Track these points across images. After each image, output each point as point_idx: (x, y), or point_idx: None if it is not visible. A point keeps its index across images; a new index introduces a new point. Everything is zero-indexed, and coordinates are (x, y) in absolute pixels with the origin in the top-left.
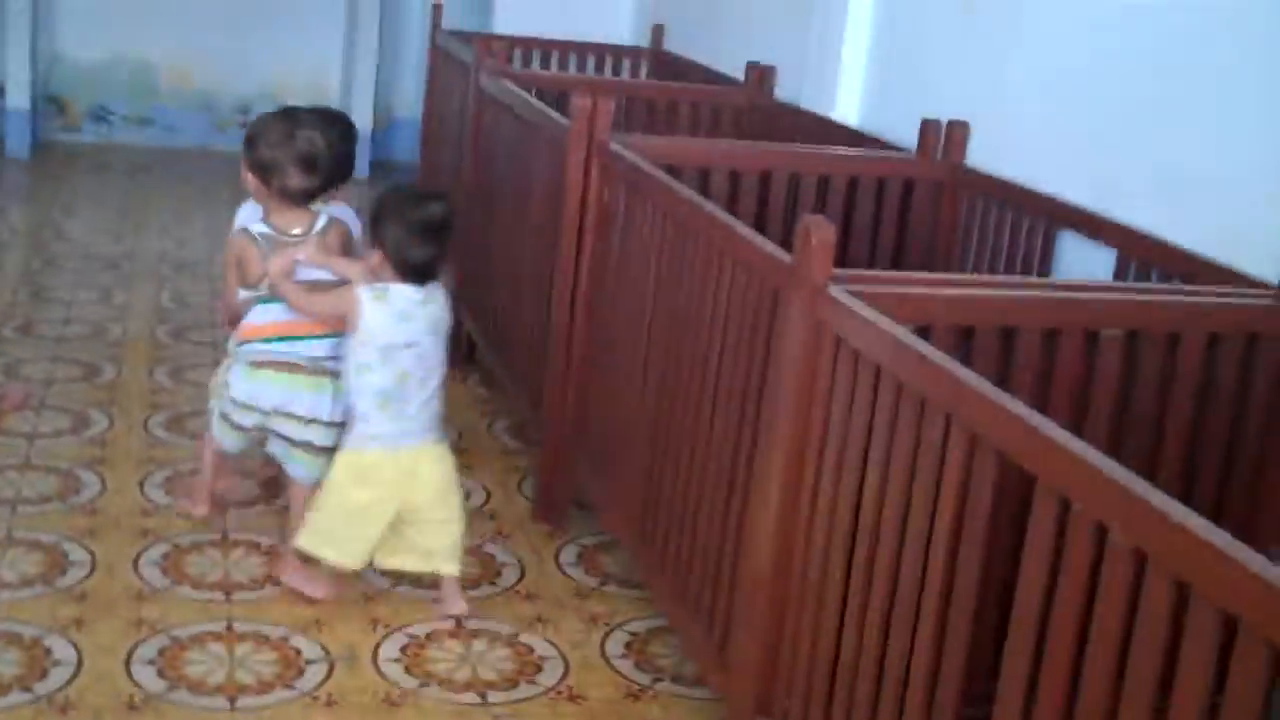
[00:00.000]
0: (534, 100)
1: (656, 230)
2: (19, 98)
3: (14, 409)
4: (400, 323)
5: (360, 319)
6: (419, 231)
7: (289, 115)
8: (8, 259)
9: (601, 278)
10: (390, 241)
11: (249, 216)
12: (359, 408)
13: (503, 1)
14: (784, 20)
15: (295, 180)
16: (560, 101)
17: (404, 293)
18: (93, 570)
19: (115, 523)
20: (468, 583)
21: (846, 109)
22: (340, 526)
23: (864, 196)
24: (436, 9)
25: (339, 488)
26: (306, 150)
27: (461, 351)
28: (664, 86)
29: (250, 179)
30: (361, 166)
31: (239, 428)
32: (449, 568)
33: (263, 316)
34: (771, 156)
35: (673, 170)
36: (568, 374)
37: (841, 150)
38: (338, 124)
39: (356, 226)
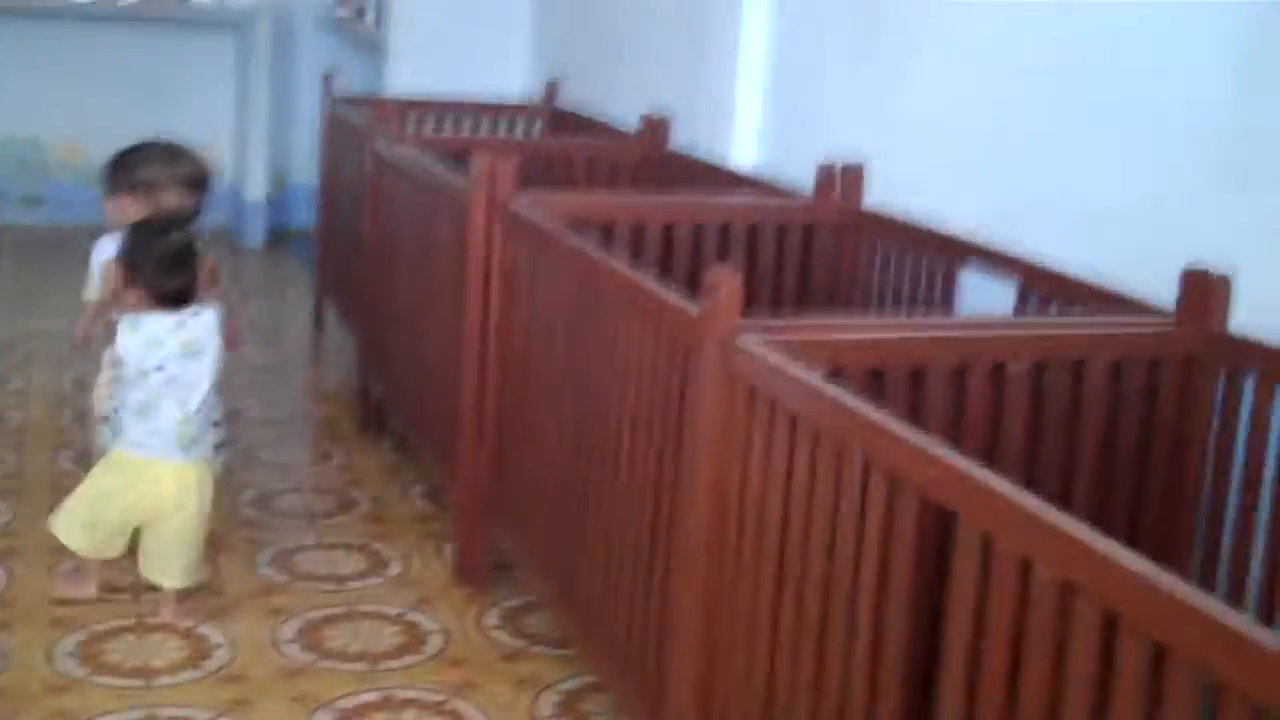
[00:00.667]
0: (432, 163)
1: (563, 288)
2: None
3: None
4: (150, 349)
5: (118, 345)
6: (166, 263)
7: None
8: None
9: (510, 338)
10: (143, 277)
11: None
12: (120, 417)
13: (394, 62)
14: (677, 67)
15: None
16: (458, 161)
17: (156, 321)
18: (7, 665)
19: (27, 614)
20: (392, 652)
21: (743, 154)
22: (86, 513)
23: (765, 242)
24: (327, 76)
25: (93, 478)
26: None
27: (370, 416)
28: (560, 143)
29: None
30: (257, 234)
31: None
32: (170, 582)
33: None
34: (671, 208)
35: (575, 226)
36: (480, 436)
37: (740, 198)
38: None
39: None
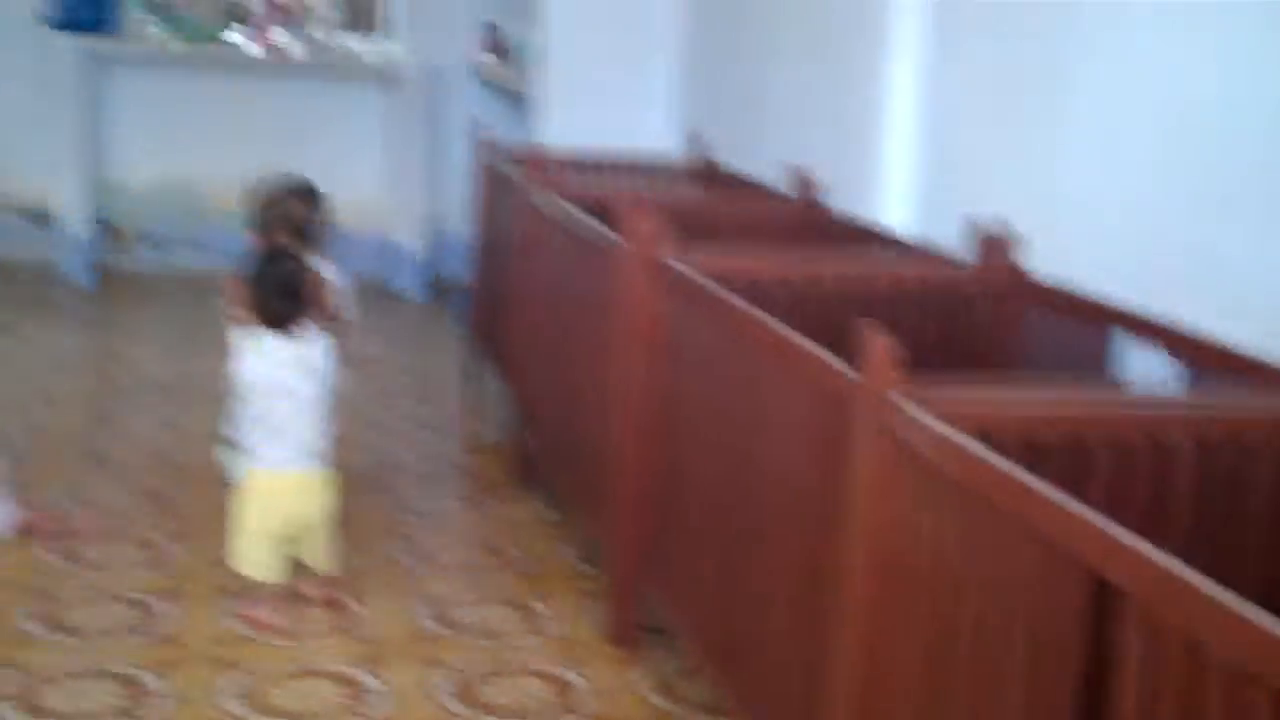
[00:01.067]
0: (585, 218)
1: (715, 346)
2: (76, 226)
3: (82, 537)
4: (273, 369)
5: (242, 367)
6: (275, 291)
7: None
8: (71, 386)
9: (662, 395)
10: (253, 300)
11: None
12: (250, 440)
13: (541, 114)
14: (825, 124)
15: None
16: (606, 215)
17: (274, 343)
18: (171, 702)
19: (196, 654)
20: (546, 711)
21: (893, 212)
22: (254, 539)
23: (914, 305)
24: (480, 127)
25: (244, 507)
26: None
27: (524, 470)
28: (710, 199)
29: None
30: (414, 285)
31: None
32: (324, 567)
33: None
34: (824, 267)
35: (727, 284)
36: (632, 495)
37: (894, 259)
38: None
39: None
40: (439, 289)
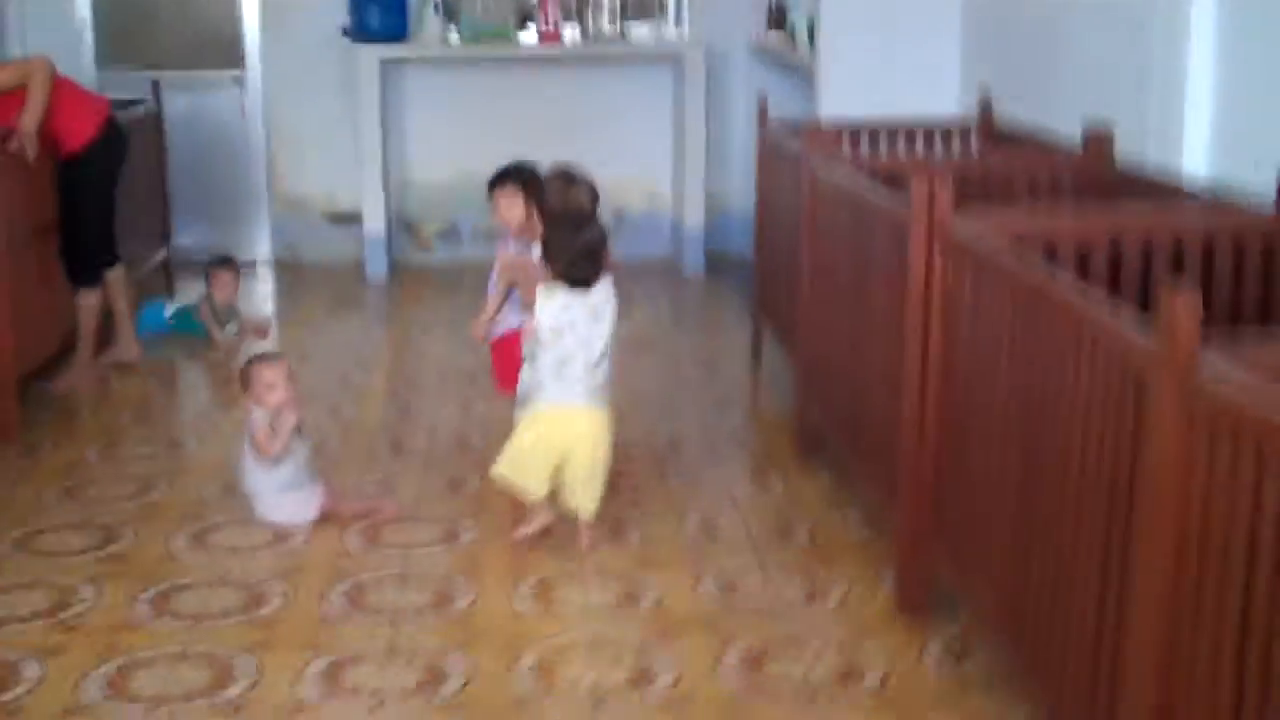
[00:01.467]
0: (868, 187)
1: (1006, 312)
2: (375, 224)
3: (386, 522)
4: (563, 313)
5: (536, 312)
6: (582, 256)
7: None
8: (374, 379)
9: (951, 363)
10: (561, 265)
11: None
12: (538, 377)
13: (824, 87)
14: (1118, 78)
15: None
16: (893, 183)
17: (567, 293)
18: (472, 681)
19: (488, 632)
20: (832, 683)
21: (1194, 165)
22: (519, 459)
23: (1221, 260)
24: (762, 102)
25: (522, 432)
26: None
27: (809, 442)
28: (998, 160)
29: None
30: (696, 262)
31: None
32: (587, 508)
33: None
34: (1118, 225)
35: (1017, 247)
36: (920, 463)
37: (1192, 214)
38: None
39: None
40: (722, 265)
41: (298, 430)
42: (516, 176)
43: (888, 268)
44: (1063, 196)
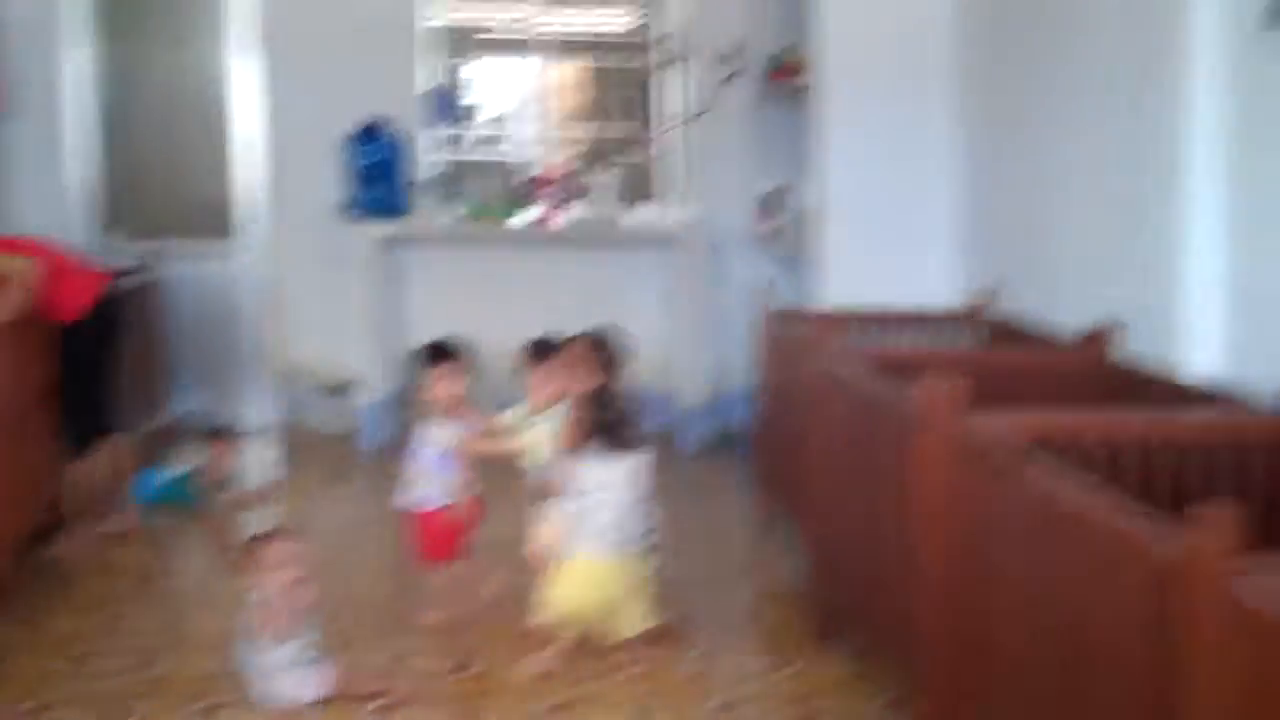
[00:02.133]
0: (874, 380)
1: (1023, 515)
2: (372, 395)
3: (400, 703)
4: (605, 475)
5: (582, 474)
6: (619, 421)
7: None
8: (374, 550)
9: (967, 559)
10: (601, 431)
11: None
12: (583, 530)
13: (820, 273)
14: (1125, 271)
15: None
16: (897, 374)
17: (604, 458)
18: None
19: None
20: None
21: (1196, 358)
22: (562, 606)
23: (1235, 462)
24: (764, 289)
25: (559, 583)
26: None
27: (825, 621)
28: (1002, 354)
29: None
30: (695, 438)
31: None
32: (636, 629)
33: None
34: (1130, 426)
35: (1030, 446)
36: (940, 658)
37: (1208, 413)
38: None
39: None
40: (721, 441)
41: (306, 609)
42: (454, 353)
43: (896, 458)
44: (1065, 392)
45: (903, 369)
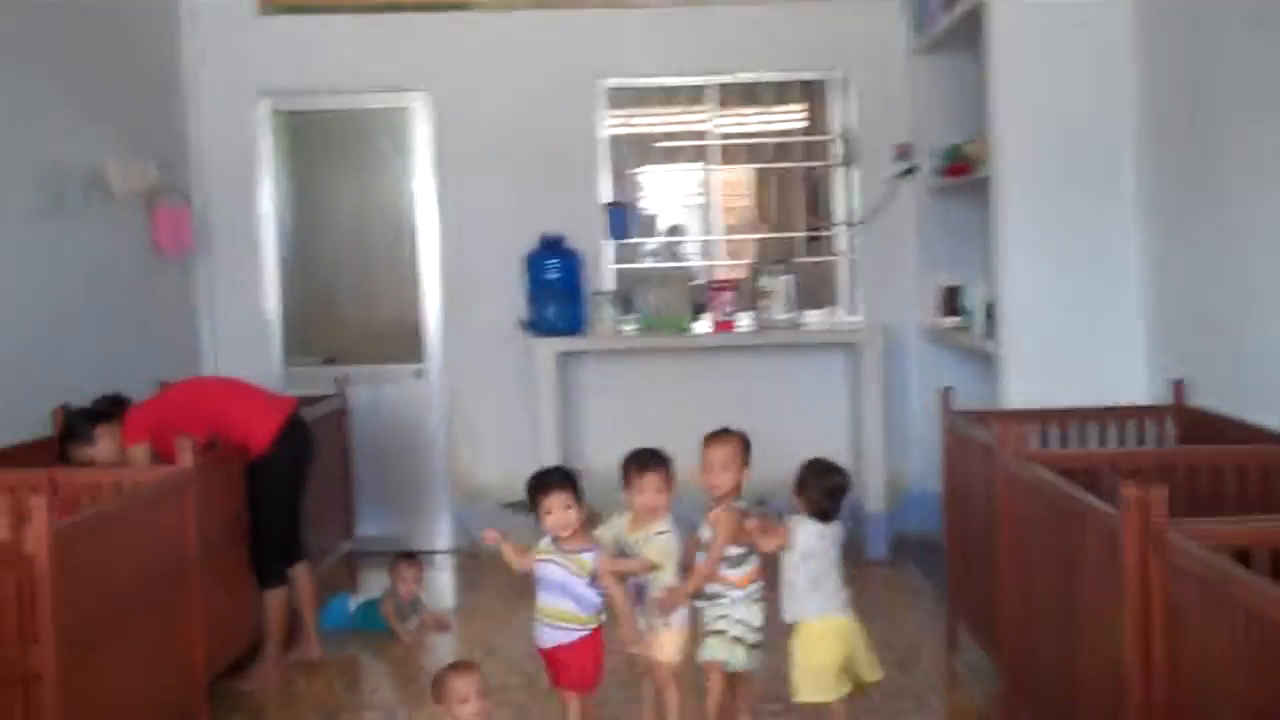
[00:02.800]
0: (1073, 489)
1: (1239, 629)
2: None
3: None
4: (816, 540)
5: (801, 538)
6: (830, 492)
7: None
8: None
9: (1179, 679)
10: (810, 499)
11: None
12: (798, 596)
13: (1007, 371)
14: None
15: None
16: (1091, 478)
17: (818, 525)
18: None
19: None
20: None
21: None
22: (814, 677)
23: None
24: (946, 392)
25: (803, 656)
26: None
27: None
28: (1200, 451)
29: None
30: (879, 544)
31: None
32: (876, 674)
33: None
34: None
35: (1241, 555)
36: None
37: None
38: None
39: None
40: (904, 548)
41: None
42: (564, 482)
43: (1099, 571)
44: (1275, 488)
45: (1096, 471)
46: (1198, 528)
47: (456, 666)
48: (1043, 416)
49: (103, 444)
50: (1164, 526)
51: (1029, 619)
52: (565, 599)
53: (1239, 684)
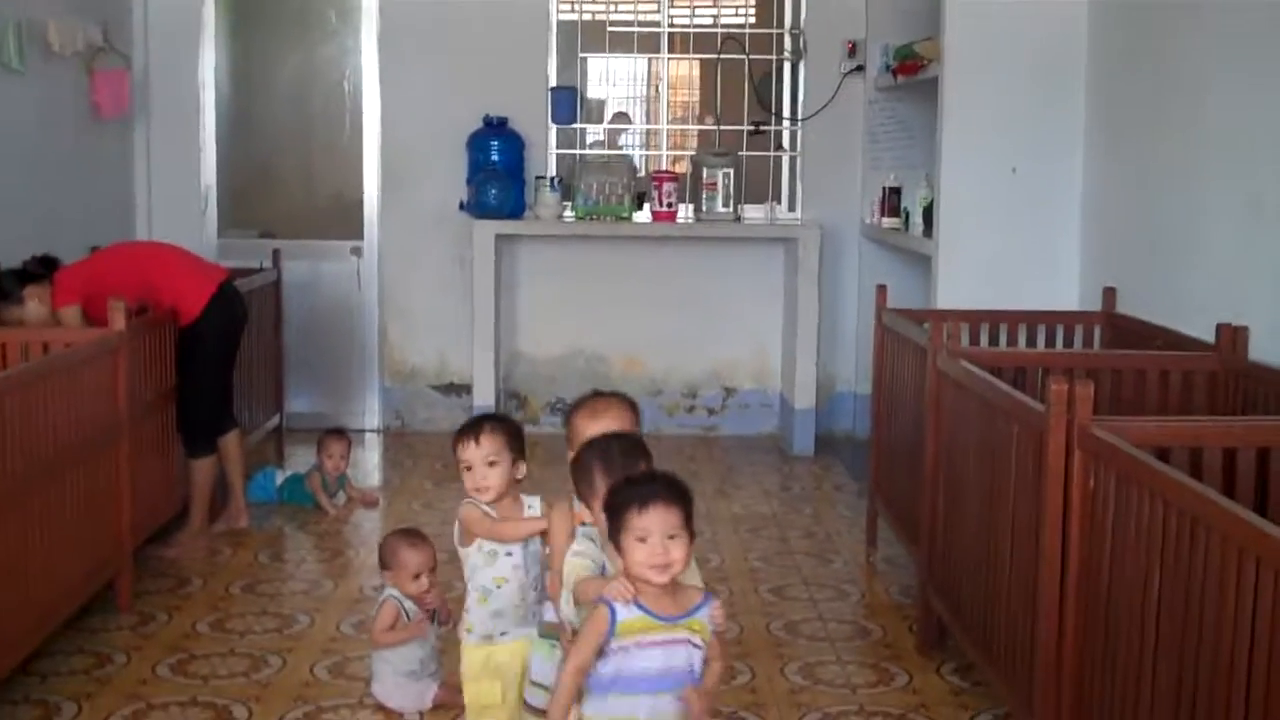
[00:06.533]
0: (1001, 384)
1: (1156, 522)
2: (484, 395)
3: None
4: None
5: None
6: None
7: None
8: None
9: (1093, 571)
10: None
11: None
12: None
13: (942, 273)
14: (1254, 272)
15: None
16: (1019, 378)
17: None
18: None
19: None
20: None
21: None
22: None
23: None
24: (881, 289)
25: None
26: None
27: (932, 635)
28: (1127, 355)
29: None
30: (806, 441)
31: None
32: None
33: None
34: (1269, 431)
35: (1160, 451)
36: (1060, 673)
37: None
38: None
39: None
40: (831, 445)
41: (433, 619)
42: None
43: (1022, 466)
44: (1196, 395)
45: (1027, 371)
46: (1121, 424)
47: (410, 537)
48: (976, 317)
49: (31, 305)
50: (1089, 423)
51: (950, 514)
52: None
53: (1151, 572)
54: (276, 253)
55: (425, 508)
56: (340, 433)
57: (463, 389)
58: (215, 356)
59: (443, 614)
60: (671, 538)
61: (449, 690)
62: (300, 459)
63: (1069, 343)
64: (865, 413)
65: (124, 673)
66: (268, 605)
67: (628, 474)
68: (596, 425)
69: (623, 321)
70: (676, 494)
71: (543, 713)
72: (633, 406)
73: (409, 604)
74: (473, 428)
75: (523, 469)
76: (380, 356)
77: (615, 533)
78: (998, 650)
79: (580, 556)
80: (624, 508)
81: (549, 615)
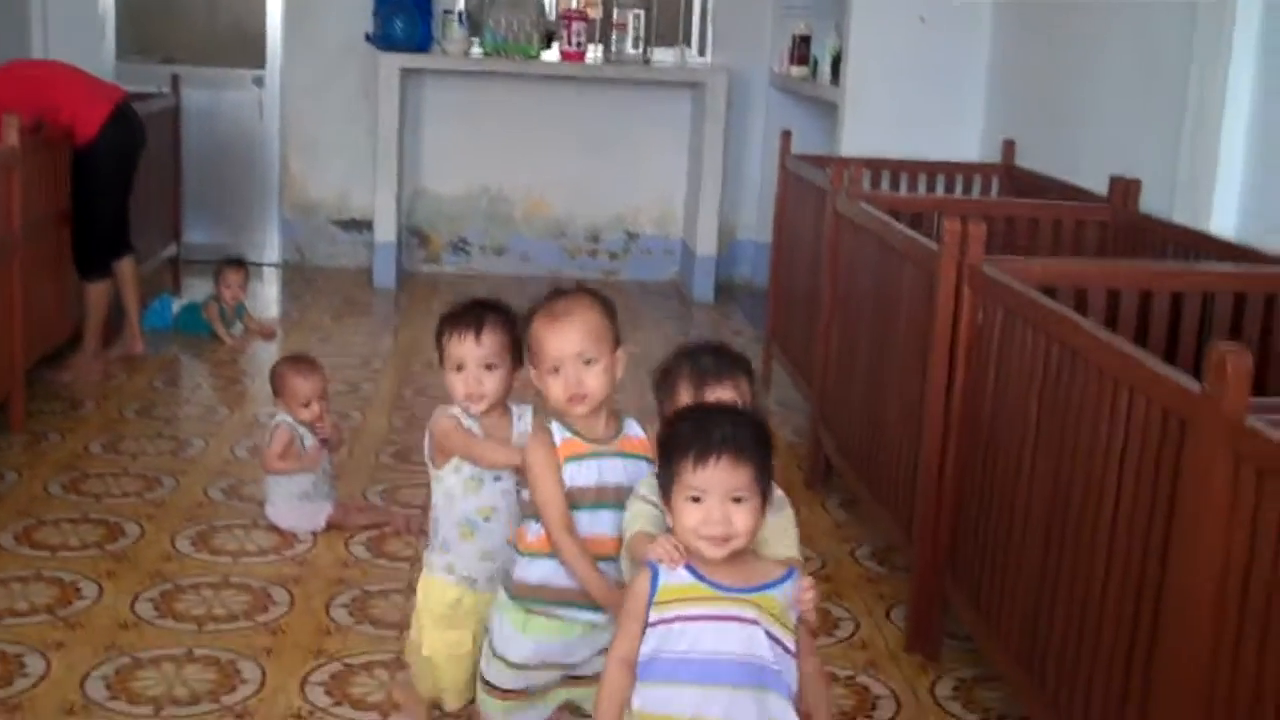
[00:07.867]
0: (898, 225)
1: (1039, 355)
2: (385, 232)
3: (397, 533)
4: None
5: None
6: None
7: None
8: (380, 386)
9: (976, 403)
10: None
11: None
12: None
13: (847, 121)
14: (1147, 130)
15: None
16: (918, 222)
17: None
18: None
19: None
20: (842, 716)
21: (1222, 221)
22: None
23: (1251, 314)
24: (786, 135)
25: None
26: None
27: (818, 471)
28: (1023, 204)
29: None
30: (706, 288)
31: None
32: None
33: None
34: (1152, 275)
35: (1046, 291)
36: (940, 500)
37: (1226, 266)
38: None
39: None
40: (731, 292)
41: (324, 444)
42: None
43: (913, 304)
44: (1086, 243)
45: (923, 216)
46: (1010, 263)
47: (299, 365)
48: (877, 164)
49: None
50: (979, 261)
51: (843, 353)
52: None
53: (1030, 403)
54: (176, 78)
55: (322, 341)
56: (238, 262)
57: (364, 225)
58: (111, 178)
59: (335, 440)
60: (737, 500)
61: (342, 510)
62: (197, 290)
63: (968, 193)
64: (765, 261)
65: (15, 490)
66: (162, 429)
67: (699, 401)
68: (556, 335)
69: (528, 162)
70: (751, 441)
71: (507, 693)
72: (604, 303)
73: (302, 429)
74: (472, 319)
75: (518, 376)
76: (281, 189)
77: (666, 482)
78: (882, 483)
79: (644, 502)
80: (676, 451)
81: (523, 572)
